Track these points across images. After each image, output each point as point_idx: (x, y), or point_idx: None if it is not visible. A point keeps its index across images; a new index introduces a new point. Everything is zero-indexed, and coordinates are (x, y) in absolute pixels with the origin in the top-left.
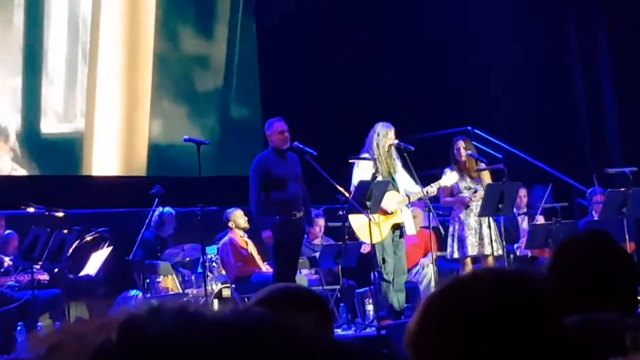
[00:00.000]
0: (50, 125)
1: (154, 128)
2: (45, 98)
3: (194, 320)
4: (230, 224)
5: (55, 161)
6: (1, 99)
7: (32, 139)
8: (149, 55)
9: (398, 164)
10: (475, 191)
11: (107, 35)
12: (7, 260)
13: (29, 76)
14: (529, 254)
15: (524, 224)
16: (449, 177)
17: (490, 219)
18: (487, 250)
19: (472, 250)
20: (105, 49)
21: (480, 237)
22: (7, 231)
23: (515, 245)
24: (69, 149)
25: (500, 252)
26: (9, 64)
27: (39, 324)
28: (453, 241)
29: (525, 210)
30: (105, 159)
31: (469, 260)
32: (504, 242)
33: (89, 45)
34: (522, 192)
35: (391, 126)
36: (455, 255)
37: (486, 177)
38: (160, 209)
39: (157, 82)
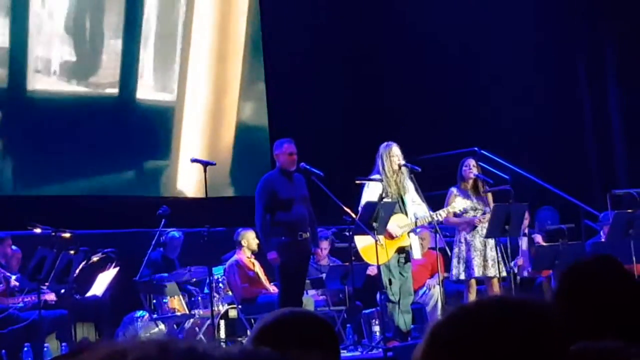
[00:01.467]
0: (145, 92)
1: (243, 110)
2: (142, 64)
3: None
4: (243, 242)
5: (148, 127)
6: (104, 58)
7: (127, 103)
8: (240, 38)
9: (409, 186)
10: (484, 212)
11: (200, 15)
12: (13, 280)
13: (128, 41)
14: (526, 274)
15: (523, 245)
16: (459, 203)
17: (494, 240)
18: (491, 272)
19: (478, 271)
20: (198, 28)
21: (484, 259)
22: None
23: (512, 263)
24: (161, 118)
25: (505, 273)
26: (112, 26)
27: (46, 344)
28: (459, 262)
29: (526, 231)
30: (194, 133)
31: (473, 281)
32: (509, 263)
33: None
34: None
35: (392, 144)
36: (461, 276)
37: (490, 199)
38: (169, 231)
39: (248, 65)
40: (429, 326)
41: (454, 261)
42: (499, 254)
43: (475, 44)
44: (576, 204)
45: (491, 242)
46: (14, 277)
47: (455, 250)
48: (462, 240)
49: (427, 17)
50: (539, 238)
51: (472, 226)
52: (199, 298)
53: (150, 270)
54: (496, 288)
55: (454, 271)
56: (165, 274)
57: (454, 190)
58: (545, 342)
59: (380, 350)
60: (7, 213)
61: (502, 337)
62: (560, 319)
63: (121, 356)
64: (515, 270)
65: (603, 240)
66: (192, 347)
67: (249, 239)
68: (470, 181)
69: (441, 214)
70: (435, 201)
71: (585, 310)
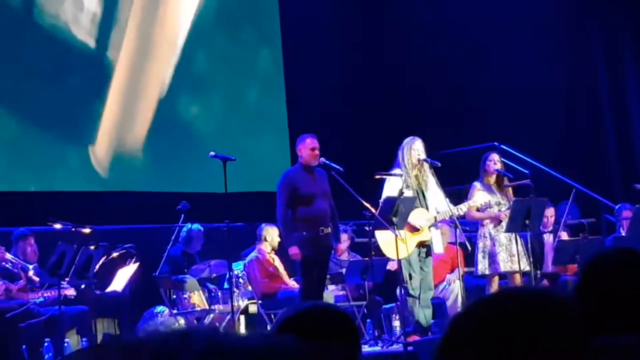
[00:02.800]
0: None
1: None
2: None
3: (225, 349)
4: (267, 237)
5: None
6: None
7: None
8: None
9: (431, 180)
10: (509, 207)
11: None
12: (31, 271)
13: None
14: (550, 270)
15: (548, 241)
16: (479, 197)
17: (518, 235)
18: (518, 267)
19: (503, 266)
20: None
21: (510, 254)
22: None
23: (539, 273)
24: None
25: (528, 268)
26: None
27: (66, 340)
28: (484, 257)
29: (551, 228)
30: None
31: (496, 276)
32: (531, 259)
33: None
34: (550, 211)
35: (416, 139)
36: (487, 271)
37: (510, 193)
38: (189, 225)
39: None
40: (449, 319)
41: (479, 256)
42: (524, 249)
43: (493, 37)
44: (596, 198)
45: (515, 236)
46: (31, 266)
47: (480, 244)
48: (487, 235)
49: (446, 12)
50: (564, 235)
51: (497, 221)
52: (219, 293)
53: (169, 266)
54: (518, 283)
55: (480, 266)
56: (186, 274)
57: (477, 184)
58: (564, 333)
59: (401, 345)
60: (27, 209)
61: (521, 329)
62: (580, 311)
63: (142, 346)
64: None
65: (624, 234)
66: (213, 335)
67: (273, 235)
68: (494, 176)
69: (462, 208)
70: (455, 196)
71: (605, 303)
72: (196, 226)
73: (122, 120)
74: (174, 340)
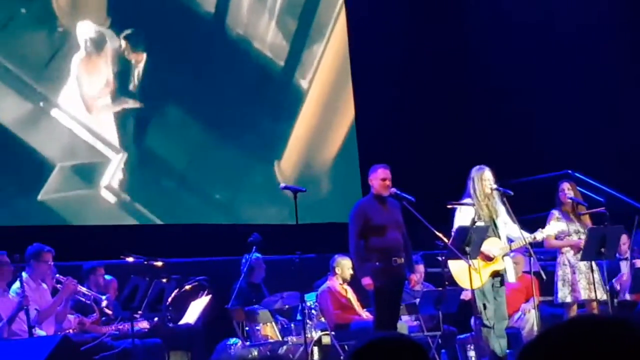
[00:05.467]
0: None
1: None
2: None
3: None
4: (337, 270)
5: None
6: None
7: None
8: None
9: (501, 209)
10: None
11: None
12: (104, 300)
13: None
14: (628, 298)
15: (624, 268)
16: (553, 227)
17: (595, 263)
18: (598, 295)
19: (584, 294)
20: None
21: (589, 282)
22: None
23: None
24: None
25: (605, 297)
26: None
27: None
28: (564, 285)
29: (627, 255)
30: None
31: (575, 305)
32: (607, 287)
33: None
34: (623, 239)
35: (484, 168)
36: (567, 299)
37: (587, 221)
38: (247, 256)
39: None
40: (522, 347)
41: (559, 284)
42: (599, 277)
43: (565, 63)
44: None
45: (593, 264)
46: (104, 297)
47: (560, 272)
48: (567, 262)
49: (518, 38)
50: (639, 263)
51: (577, 248)
52: (292, 325)
53: (239, 300)
54: (595, 311)
55: (560, 294)
56: (256, 305)
57: (555, 212)
58: None
59: None
60: (100, 242)
61: (594, 357)
62: None
63: None
64: (618, 288)
65: None
66: None
67: (344, 267)
68: (569, 204)
69: (536, 237)
70: (529, 224)
71: None
72: (255, 255)
73: (313, 140)
74: None
